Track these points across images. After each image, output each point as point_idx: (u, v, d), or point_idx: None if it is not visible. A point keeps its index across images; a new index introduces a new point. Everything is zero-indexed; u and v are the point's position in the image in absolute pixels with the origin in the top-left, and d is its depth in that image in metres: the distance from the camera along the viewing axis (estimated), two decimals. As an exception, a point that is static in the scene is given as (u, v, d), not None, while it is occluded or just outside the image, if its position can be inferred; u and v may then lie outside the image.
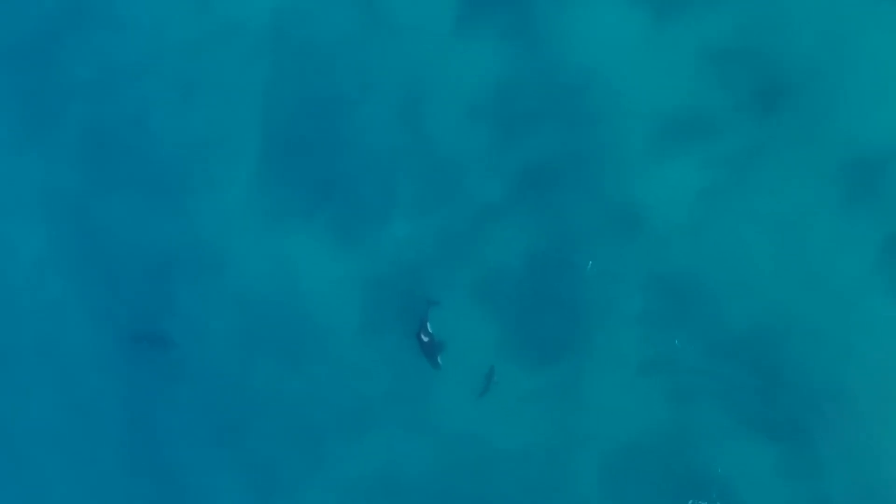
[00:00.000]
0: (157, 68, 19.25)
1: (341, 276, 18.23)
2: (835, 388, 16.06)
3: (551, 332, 17.21)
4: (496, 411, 17.41)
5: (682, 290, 16.61)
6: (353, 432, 18.20)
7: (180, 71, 19.14)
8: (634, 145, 16.77)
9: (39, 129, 19.74)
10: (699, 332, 16.53)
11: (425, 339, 17.40)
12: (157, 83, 19.24)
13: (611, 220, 16.89)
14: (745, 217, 16.37)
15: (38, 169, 19.68)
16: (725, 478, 16.36)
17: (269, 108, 18.64)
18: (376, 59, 18.16)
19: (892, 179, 15.81)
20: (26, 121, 19.88)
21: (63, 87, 19.64)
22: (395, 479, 17.92)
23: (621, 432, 16.84)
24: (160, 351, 18.79)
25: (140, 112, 19.30)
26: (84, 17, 19.72)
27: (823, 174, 16.03)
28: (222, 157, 18.79)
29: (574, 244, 17.05)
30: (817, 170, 16.05)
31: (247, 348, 18.70)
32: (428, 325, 17.43)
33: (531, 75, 17.32)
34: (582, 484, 17.03)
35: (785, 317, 16.22)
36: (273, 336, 18.60)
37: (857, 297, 15.97)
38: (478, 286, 17.57)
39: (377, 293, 18.07)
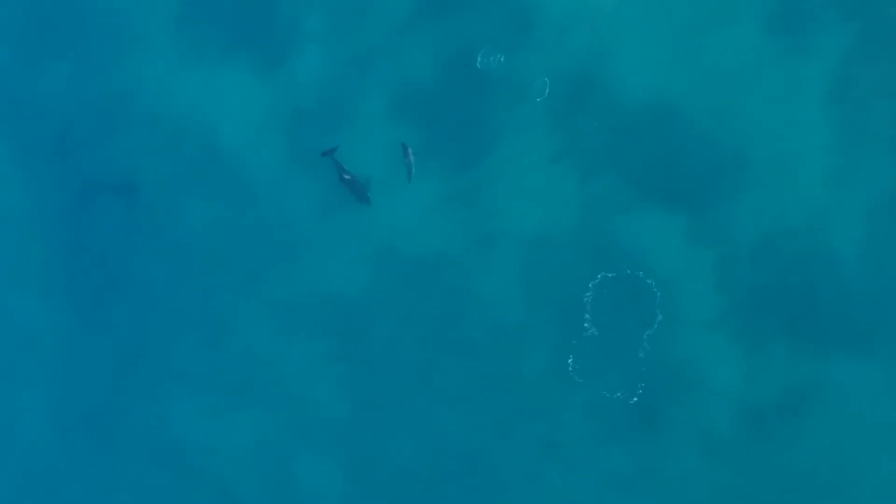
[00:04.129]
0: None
1: (267, 107, 18.93)
2: (735, 155, 16.55)
3: (464, 135, 17.80)
4: (416, 223, 17.97)
5: (584, 75, 17.21)
6: (286, 255, 18.74)
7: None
8: (529, -57, 17.60)
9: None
10: (603, 113, 17.08)
11: (347, 177, 18.03)
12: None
13: (513, 18, 17.55)
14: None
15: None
16: (634, 248, 16.75)
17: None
18: None
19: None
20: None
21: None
22: (326, 296, 18.42)
23: (533, 221, 17.34)
24: (123, 198, 19.50)
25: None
26: None
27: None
28: (144, 12, 19.58)
29: (481, 47, 17.72)
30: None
31: (184, 187, 19.34)
32: (343, 165, 18.12)
33: None
34: (501, 278, 17.49)
35: (684, 91, 16.79)
36: (207, 173, 19.20)
37: (750, 67, 16.52)
38: (392, 103, 18.19)
39: (300, 121, 18.77)
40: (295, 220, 18.78)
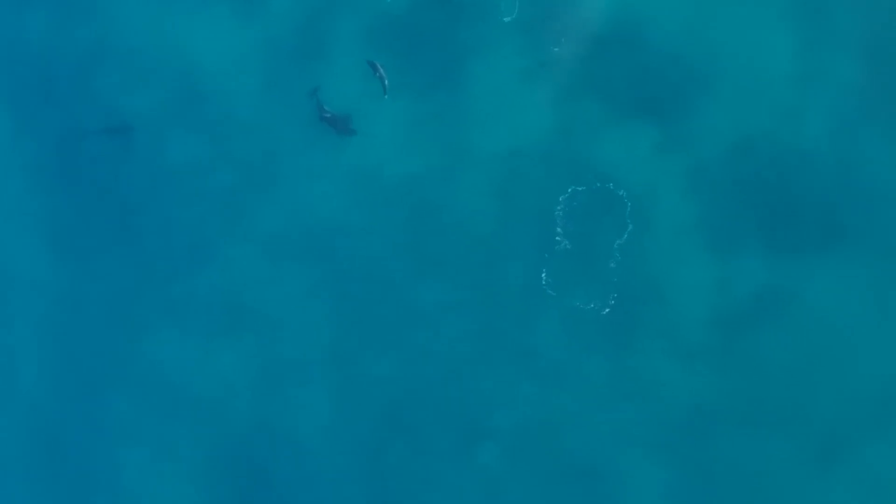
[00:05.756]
0: None
1: (246, 42, 19.27)
2: (702, 63, 16.56)
3: (436, 58, 17.98)
4: (391, 145, 18.22)
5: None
6: (268, 183, 19.10)
7: None
8: None
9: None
10: (572, 28, 17.14)
11: (328, 115, 18.45)
12: None
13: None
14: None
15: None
16: (605, 161, 16.84)
17: None
18: None
19: None
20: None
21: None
22: (307, 221, 18.77)
23: (504, 138, 17.50)
24: (109, 138, 19.98)
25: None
26: None
27: None
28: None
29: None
30: None
31: (169, 124, 19.76)
32: (324, 105, 18.47)
33: None
34: (473, 196, 17.71)
35: (650, 2, 16.77)
36: (191, 110, 19.61)
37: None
38: (366, 30, 18.46)
39: (278, 54, 19.09)
40: (276, 150, 19.12)
